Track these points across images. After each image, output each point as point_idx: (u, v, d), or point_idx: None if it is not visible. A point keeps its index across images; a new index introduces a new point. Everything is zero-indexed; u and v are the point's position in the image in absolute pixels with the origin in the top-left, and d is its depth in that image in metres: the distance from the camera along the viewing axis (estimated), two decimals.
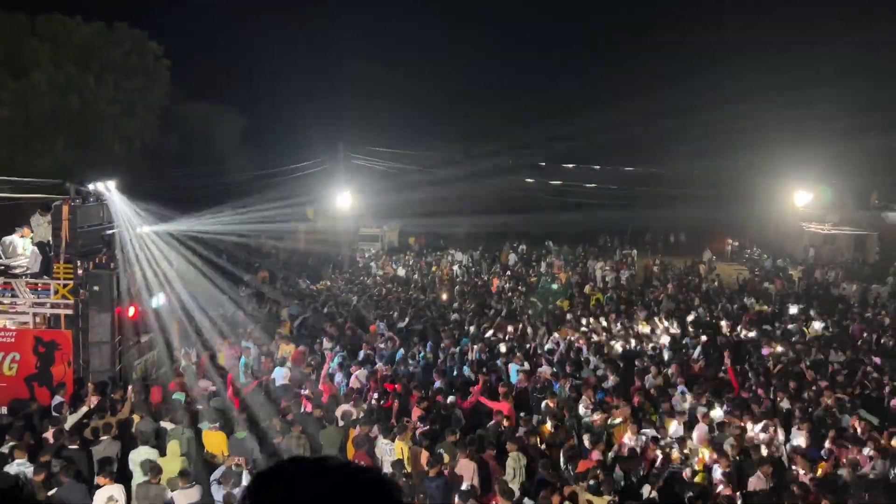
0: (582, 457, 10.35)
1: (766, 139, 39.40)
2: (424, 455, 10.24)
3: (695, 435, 11.21)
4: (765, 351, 16.82)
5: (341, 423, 11.42)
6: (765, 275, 30.26)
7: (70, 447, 9.84)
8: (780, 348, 16.88)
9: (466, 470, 9.80)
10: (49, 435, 10.39)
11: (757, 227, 39.55)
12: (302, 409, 12.07)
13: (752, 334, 18.50)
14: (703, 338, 17.47)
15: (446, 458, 10.06)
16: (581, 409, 12.33)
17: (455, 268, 32.12)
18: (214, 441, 10.69)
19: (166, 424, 10.96)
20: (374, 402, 12.53)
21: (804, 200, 33.57)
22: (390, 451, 10.40)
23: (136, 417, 11.18)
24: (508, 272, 30.37)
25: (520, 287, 26.36)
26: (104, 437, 10.06)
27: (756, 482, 9.38)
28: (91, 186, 14.71)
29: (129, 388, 12.12)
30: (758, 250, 36.94)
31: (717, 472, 9.56)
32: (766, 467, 9.55)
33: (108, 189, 15.06)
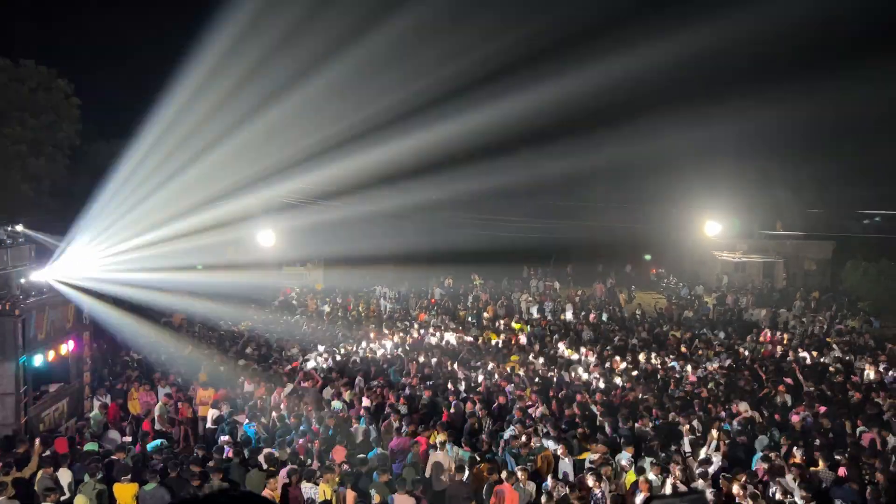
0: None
1: (677, 170, 40.91)
2: (350, 496, 10.04)
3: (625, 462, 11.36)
4: (691, 378, 17.28)
5: (265, 467, 11.09)
6: (682, 303, 31.32)
7: None
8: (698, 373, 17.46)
9: None
10: None
11: (673, 256, 40.95)
12: (224, 455, 11.66)
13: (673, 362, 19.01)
14: (624, 365, 17.92)
15: (377, 497, 9.90)
16: (507, 435, 12.46)
17: (382, 302, 31.93)
18: (126, 493, 10.19)
19: (68, 476, 10.41)
20: (297, 445, 12.21)
21: (714, 230, 35.06)
22: (314, 496, 10.13)
23: (41, 472, 10.54)
24: (436, 308, 30.34)
25: (447, 321, 26.38)
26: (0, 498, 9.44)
27: None
28: None
29: (36, 441, 11.44)
30: (674, 279, 38.20)
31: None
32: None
33: (15, 231, 14.38)
